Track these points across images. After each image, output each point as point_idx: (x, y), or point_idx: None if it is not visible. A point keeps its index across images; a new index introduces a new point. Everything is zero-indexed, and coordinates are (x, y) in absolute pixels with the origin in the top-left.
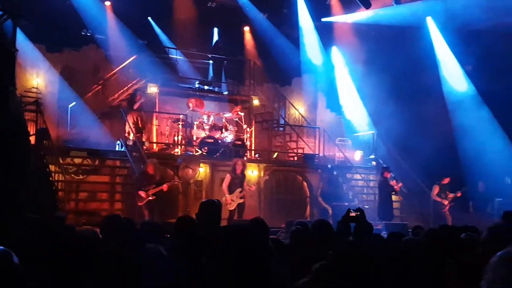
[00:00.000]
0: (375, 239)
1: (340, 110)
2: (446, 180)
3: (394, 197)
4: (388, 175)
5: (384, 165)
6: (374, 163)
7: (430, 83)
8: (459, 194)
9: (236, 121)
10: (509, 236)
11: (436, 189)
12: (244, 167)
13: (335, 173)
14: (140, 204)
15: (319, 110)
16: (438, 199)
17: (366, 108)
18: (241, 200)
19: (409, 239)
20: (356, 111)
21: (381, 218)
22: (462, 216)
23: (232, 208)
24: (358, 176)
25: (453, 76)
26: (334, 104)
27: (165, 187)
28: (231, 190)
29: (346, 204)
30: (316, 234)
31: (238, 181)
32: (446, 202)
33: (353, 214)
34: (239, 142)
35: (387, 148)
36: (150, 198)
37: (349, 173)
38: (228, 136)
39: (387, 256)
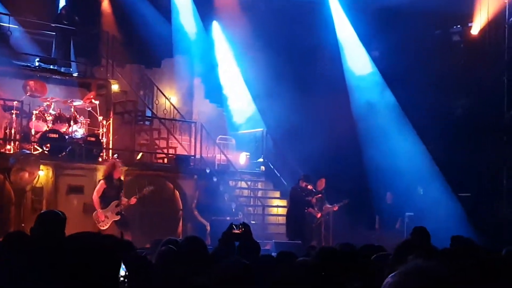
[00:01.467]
0: (264, 260)
1: (222, 101)
2: (321, 183)
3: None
4: (304, 184)
5: (306, 174)
6: (263, 168)
7: (331, 69)
8: (335, 208)
9: (89, 111)
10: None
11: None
12: (119, 169)
13: (214, 179)
14: None
15: (196, 101)
16: (312, 210)
17: (253, 99)
18: (118, 217)
19: (301, 261)
20: (241, 102)
21: (290, 238)
22: (367, 234)
23: (105, 227)
24: (243, 184)
25: (357, 61)
26: (214, 94)
27: (134, 200)
28: (105, 203)
29: (228, 218)
30: (186, 253)
31: (115, 191)
32: (319, 215)
33: (236, 230)
34: (93, 139)
35: (279, 148)
36: None
37: (233, 180)
38: (78, 131)
39: (275, 281)
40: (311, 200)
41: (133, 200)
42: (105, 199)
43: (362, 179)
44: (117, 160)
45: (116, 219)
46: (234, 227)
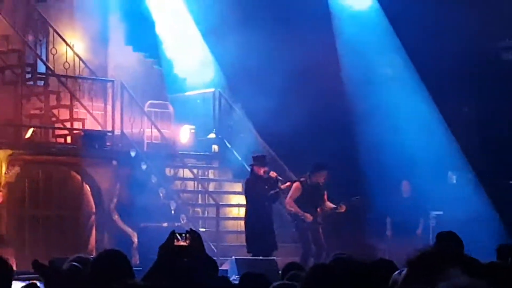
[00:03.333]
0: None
1: (153, 48)
2: (318, 176)
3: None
4: (262, 172)
5: (257, 154)
6: (215, 147)
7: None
8: (342, 208)
9: None
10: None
11: (296, 190)
12: None
13: (143, 167)
14: None
15: (112, 49)
16: (295, 208)
17: (201, 44)
18: None
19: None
20: (182, 49)
21: (249, 251)
22: (374, 244)
23: None
24: (187, 173)
25: None
26: (141, 38)
27: None
28: None
29: (166, 225)
30: (100, 276)
31: None
32: (309, 218)
33: (181, 242)
34: None
35: (240, 118)
36: None
37: (171, 166)
38: None
39: None
40: (278, 191)
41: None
42: None
43: (363, 162)
44: None
45: None
46: (177, 237)
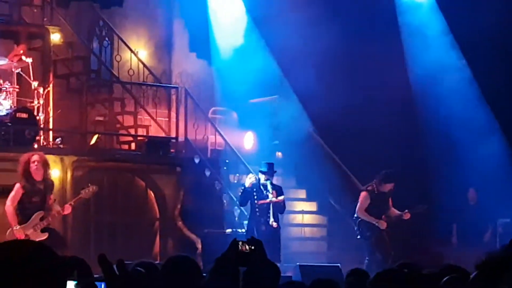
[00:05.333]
0: None
1: (217, 55)
2: (386, 187)
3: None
4: (250, 182)
5: (267, 162)
6: (279, 154)
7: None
8: (406, 216)
9: (18, 74)
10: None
11: (365, 199)
12: (46, 167)
13: (207, 173)
14: None
15: (177, 56)
16: (368, 217)
17: (273, 55)
18: (44, 236)
19: None
20: (247, 56)
21: None
22: (438, 250)
23: None
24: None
25: None
26: (205, 45)
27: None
28: (23, 216)
29: (229, 231)
30: (168, 282)
31: (38, 197)
32: (383, 225)
33: (244, 248)
34: (24, 115)
35: (302, 125)
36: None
37: (235, 173)
38: (3, 104)
39: None
40: (268, 200)
41: (67, 209)
42: (26, 210)
43: (430, 169)
44: (37, 152)
45: (42, 239)
46: (240, 244)
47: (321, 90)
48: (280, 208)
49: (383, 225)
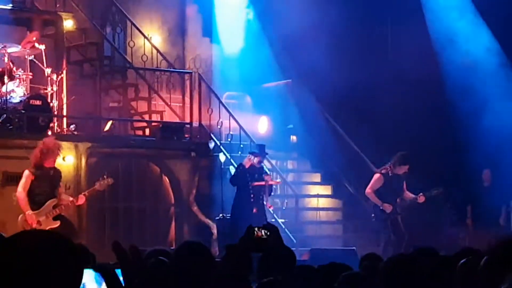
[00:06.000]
0: (305, 277)
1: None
2: (401, 169)
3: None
4: (256, 161)
5: (259, 143)
6: (294, 138)
7: None
8: (421, 199)
9: (31, 61)
10: None
11: (377, 181)
12: (58, 152)
13: (222, 158)
14: None
15: (190, 41)
16: (374, 198)
17: (284, 38)
18: (55, 224)
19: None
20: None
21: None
22: (454, 233)
23: None
24: (266, 164)
25: None
26: (217, 30)
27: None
28: (35, 203)
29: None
30: (184, 269)
31: (47, 183)
32: (388, 209)
33: (260, 234)
34: (38, 102)
35: (316, 109)
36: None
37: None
38: (16, 91)
39: None
40: (264, 183)
41: (81, 199)
42: (36, 197)
43: (444, 148)
44: (52, 139)
45: (54, 226)
46: (256, 230)
47: (335, 73)
48: (271, 191)
49: (387, 208)
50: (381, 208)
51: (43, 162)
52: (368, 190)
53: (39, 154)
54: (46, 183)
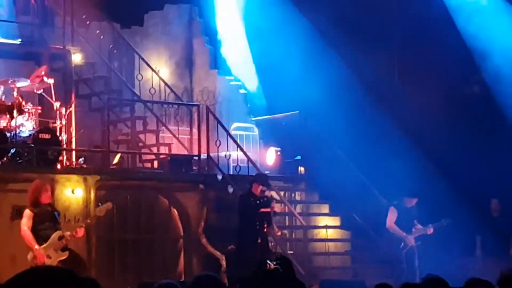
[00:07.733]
0: None
1: (238, 72)
2: (411, 202)
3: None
4: (258, 190)
5: (260, 173)
6: (302, 169)
7: None
8: (430, 230)
9: (40, 95)
10: None
11: (393, 213)
12: (47, 188)
13: (231, 190)
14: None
15: (198, 73)
16: (397, 230)
17: (293, 67)
18: (65, 255)
19: None
20: (266, 72)
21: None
22: (463, 262)
23: None
24: (273, 194)
25: None
26: (225, 62)
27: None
28: (40, 237)
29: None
30: None
31: (49, 217)
32: (411, 240)
33: (270, 265)
34: (47, 136)
35: (325, 139)
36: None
37: None
38: (25, 125)
39: None
40: (270, 209)
41: (80, 232)
42: (40, 231)
43: (452, 179)
44: (37, 180)
45: (62, 258)
46: (268, 262)
47: (341, 106)
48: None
49: (410, 241)
50: (404, 239)
51: (38, 200)
52: (388, 223)
53: (31, 194)
54: (48, 218)
